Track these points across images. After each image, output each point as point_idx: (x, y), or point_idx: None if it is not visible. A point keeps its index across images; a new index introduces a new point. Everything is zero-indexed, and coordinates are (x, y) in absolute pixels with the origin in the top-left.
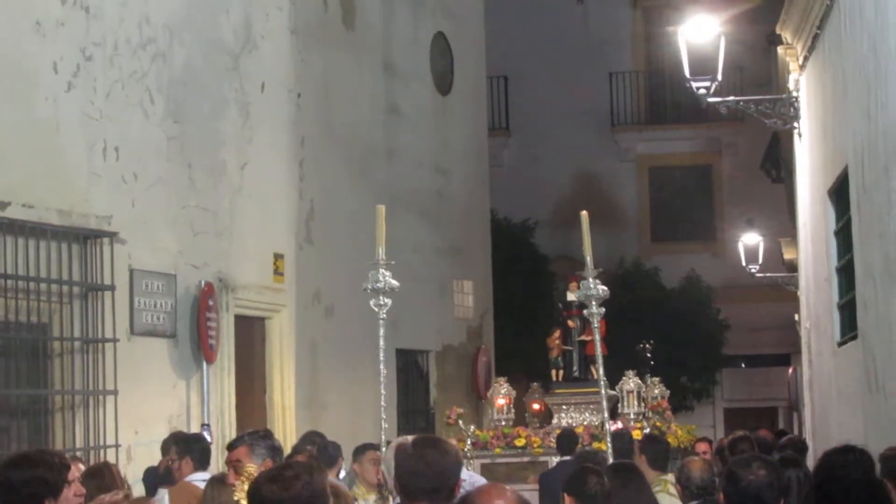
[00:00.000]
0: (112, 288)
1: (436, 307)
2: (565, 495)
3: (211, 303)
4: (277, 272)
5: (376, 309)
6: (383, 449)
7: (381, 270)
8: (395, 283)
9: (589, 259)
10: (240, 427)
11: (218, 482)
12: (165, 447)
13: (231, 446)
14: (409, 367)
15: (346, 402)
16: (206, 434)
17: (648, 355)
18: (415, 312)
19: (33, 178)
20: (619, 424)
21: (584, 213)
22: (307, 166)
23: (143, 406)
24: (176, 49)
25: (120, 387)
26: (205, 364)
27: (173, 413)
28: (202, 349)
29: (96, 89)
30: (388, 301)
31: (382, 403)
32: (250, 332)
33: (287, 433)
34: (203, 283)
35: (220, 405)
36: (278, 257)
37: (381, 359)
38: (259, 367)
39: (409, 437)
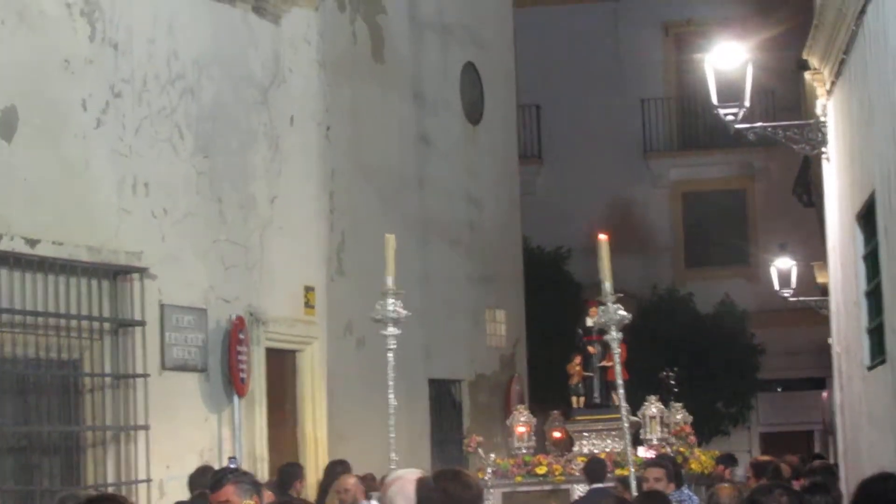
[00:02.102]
0: (142, 323)
1: (468, 336)
2: None
3: (242, 336)
4: (308, 305)
5: (387, 338)
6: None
7: (390, 300)
8: (403, 311)
9: (608, 284)
10: (272, 460)
11: None
12: (193, 482)
13: (214, 487)
14: (442, 396)
15: (379, 434)
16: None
17: (672, 383)
18: (447, 342)
19: (63, 215)
20: (652, 453)
21: (602, 236)
22: (337, 198)
23: (174, 441)
24: (204, 84)
25: (151, 422)
26: (236, 398)
27: (205, 447)
28: (233, 383)
29: (125, 126)
30: (398, 330)
31: (391, 435)
32: (282, 365)
33: (319, 465)
34: (234, 316)
35: (251, 438)
36: (309, 290)
37: (390, 391)
38: (291, 400)
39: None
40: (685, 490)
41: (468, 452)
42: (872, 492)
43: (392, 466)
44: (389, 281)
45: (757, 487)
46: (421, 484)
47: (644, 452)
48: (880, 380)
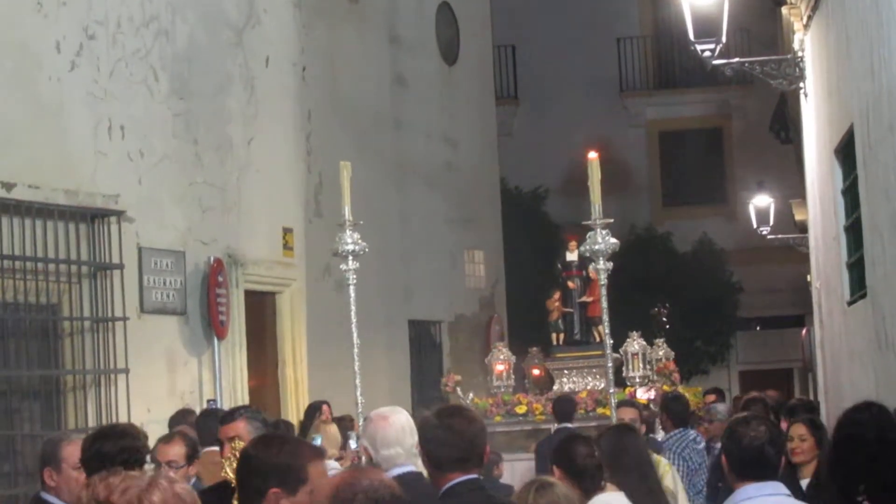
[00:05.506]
0: (121, 266)
1: (447, 277)
2: (554, 467)
3: (220, 279)
4: (287, 246)
5: (347, 273)
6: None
7: (349, 231)
8: (363, 244)
9: (597, 206)
10: (252, 403)
11: None
12: (174, 424)
13: (225, 420)
14: (422, 337)
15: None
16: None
17: (664, 319)
18: (427, 283)
19: (39, 158)
20: (651, 394)
21: (592, 155)
22: (314, 140)
23: (154, 384)
24: (179, 25)
25: (131, 365)
26: (216, 340)
27: (185, 390)
28: (213, 325)
29: (100, 68)
30: (357, 264)
31: (357, 376)
32: (261, 308)
33: (301, 407)
34: (212, 259)
35: (232, 381)
36: (287, 231)
37: (354, 328)
38: (271, 342)
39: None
40: (690, 430)
41: (446, 392)
42: (851, 420)
43: (360, 410)
44: (347, 211)
45: (734, 420)
46: (424, 421)
47: (643, 394)
48: (860, 314)
